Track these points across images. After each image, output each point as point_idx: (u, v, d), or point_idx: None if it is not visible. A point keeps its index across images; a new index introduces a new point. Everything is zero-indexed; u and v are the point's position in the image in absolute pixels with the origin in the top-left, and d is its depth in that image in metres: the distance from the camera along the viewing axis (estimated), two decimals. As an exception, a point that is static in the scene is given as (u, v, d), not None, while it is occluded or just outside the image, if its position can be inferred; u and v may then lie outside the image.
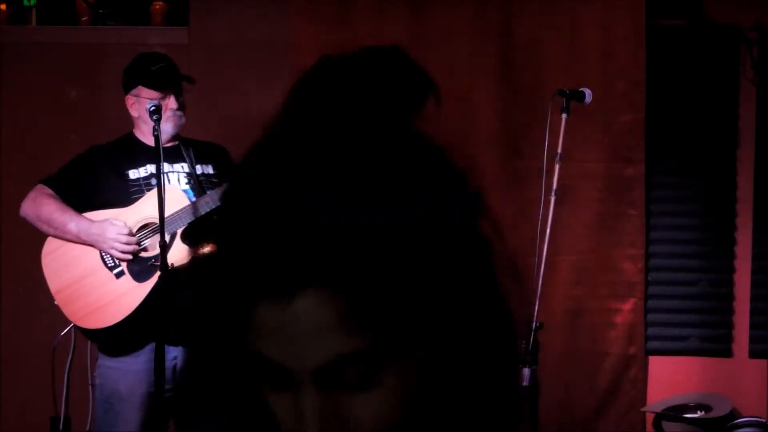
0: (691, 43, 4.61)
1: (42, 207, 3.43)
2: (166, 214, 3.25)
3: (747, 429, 4.21)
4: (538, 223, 3.60)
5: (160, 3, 4.77)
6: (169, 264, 3.23)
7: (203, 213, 3.37)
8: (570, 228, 4.56)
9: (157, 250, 3.30)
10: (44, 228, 3.43)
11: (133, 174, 3.50)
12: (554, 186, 3.58)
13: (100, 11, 4.80)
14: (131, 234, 3.35)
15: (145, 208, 3.39)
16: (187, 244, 3.37)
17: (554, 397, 4.51)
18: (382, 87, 0.87)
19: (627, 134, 4.57)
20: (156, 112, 3.37)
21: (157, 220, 3.29)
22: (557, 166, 3.60)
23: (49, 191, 3.47)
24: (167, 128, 3.44)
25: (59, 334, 4.56)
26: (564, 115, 3.65)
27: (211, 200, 3.37)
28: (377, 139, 0.83)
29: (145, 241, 3.39)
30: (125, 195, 3.43)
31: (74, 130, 4.75)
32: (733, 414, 4.43)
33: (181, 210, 3.38)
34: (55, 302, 3.43)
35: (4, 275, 4.80)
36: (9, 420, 4.78)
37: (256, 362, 0.82)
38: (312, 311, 0.78)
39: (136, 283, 3.34)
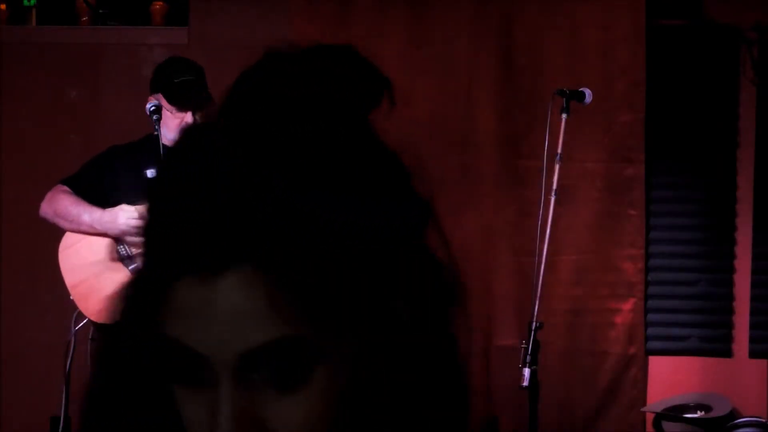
0: (691, 43, 4.61)
1: (58, 203, 3.44)
2: None
3: (747, 429, 4.21)
4: (538, 223, 3.60)
5: (160, 3, 4.77)
6: None
7: None
8: (570, 228, 4.56)
9: None
10: (61, 223, 3.45)
11: (151, 173, 3.49)
12: (554, 186, 3.58)
13: (100, 11, 4.80)
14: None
15: None
16: None
17: (554, 397, 4.51)
18: (329, 85, 0.82)
19: (627, 134, 4.57)
20: (156, 112, 3.36)
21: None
22: (557, 166, 3.60)
23: (65, 188, 3.48)
24: (171, 137, 3.40)
25: (73, 329, 4.57)
26: (564, 115, 3.65)
27: None
28: (323, 137, 0.77)
29: None
30: (143, 194, 3.42)
31: (74, 130, 4.75)
32: (733, 414, 4.43)
33: None
34: (71, 297, 3.43)
35: (4, 275, 4.80)
36: (9, 420, 4.78)
37: (171, 351, 0.74)
38: (239, 290, 0.71)
39: None
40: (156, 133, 3.33)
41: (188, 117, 3.40)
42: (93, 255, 3.40)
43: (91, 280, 3.39)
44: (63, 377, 4.77)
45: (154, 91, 3.49)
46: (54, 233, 4.73)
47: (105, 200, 3.43)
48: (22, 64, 4.73)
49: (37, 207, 4.75)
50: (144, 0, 4.79)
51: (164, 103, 3.42)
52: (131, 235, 3.33)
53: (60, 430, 4.79)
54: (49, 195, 3.52)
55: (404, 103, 4.64)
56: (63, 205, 3.43)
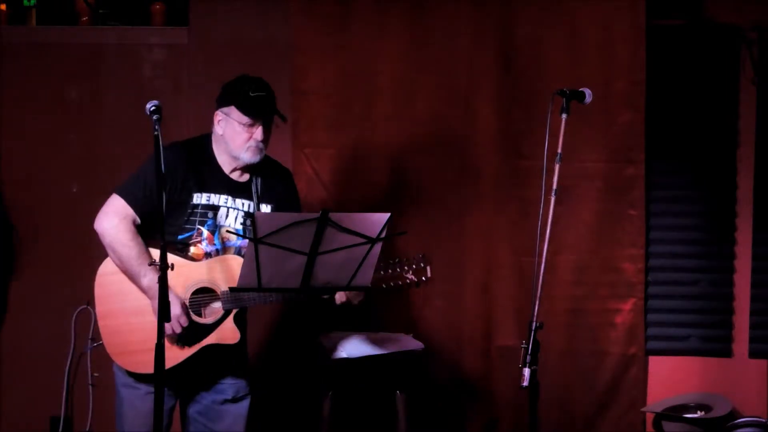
0: (691, 43, 4.61)
1: (122, 248, 3.25)
2: (231, 284, 3.20)
3: (747, 429, 4.21)
4: (538, 223, 3.60)
5: (160, 3, 4.77)
6: (214, 340, 3.25)
7: (262, 303, 3.32)
8: (570, 228, 4.56)
9: (211, 319, 3.26)
10: (114, 261, 3.29)
11: (197, 199, 3.36)
12: (554, 186, 3.57)
13: (100, 11, 4.80)
14: (185, 308, 3.23)
15: (209, 271, 3.30)
16: (238, 326, 3.34)
17: (554, 397, 4.52)
18: None
19: (627, 134, 4.57)
20: (156, 112, 3.31)
21: (218, 290, 3.25)
22: (557, 166, 3.59)
23: (130, 219, 3.28)
24: (246, 157, 3.32)
25: (73, 330, 4.55)
26: (564, 115, 3.64)
27: (275, 296, 3.29)
28: None
29: (199, 310, 3.28)
30: (179, 221, 3.33)
31: (74, 130, 4.75)
32: (733, 414, 4.43)
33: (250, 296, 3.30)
34: (98, 324, 3.35)
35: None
36: (9, 420, 4.78)
37: None
38: None
39: (179, 347, 3.28)
40: (156, 133, 3.28)
41: (258, 133, 3.32)
42: (131, 293, 3.29)
43: (120, 317, 3.30)
44: (63, 377, 4.77)
45: (225, 104, 3.37)
46: (57, 235, 4.74)
47: (153, 207, 3.22)
48: (22, 64, 4.73)
49: (38, 207, 4.77)
50: (144, 0, 4.79)
51: (236, 115, 3.33)
52: (171, 328, 3.23)
53: (60, 430, 4.78)
54: (112, 217, 3.28)
55: (404, 103, 4.66)
56: (126, 254, 3.25)
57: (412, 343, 4.16)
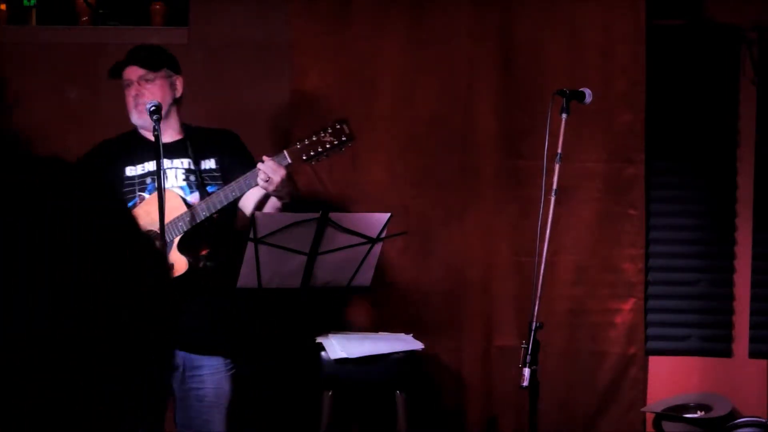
0: (691, 43, 4.61)
1: None
2: (168, 218, 3.24)
3: (747, 429, 4.21)
4: (538, 223, 3.60)
5: (160, 3, 4.77)
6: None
7: (198, 221, 3.35)
8: (570, 228, 4.56)
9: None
10: None
11: (129, 171, 3.50)
12: (554, 186, 3.57)
13: (100, 11, 4.80)
14: None
15: (140, 217, 3.37)
16: (184, 254, 3.36)
17: (554, 397, 4.51)
18: None
19: (627, 134, 4.57)
20: (156, 112, 3.34)
21: (153, 229, 3.28)
22: (557, 166, 3.60)
23: None
24: (133, 119, 3.56)
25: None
26: (564, 115, 3.65)
27: (206, 207, 3.35)
28: None
29: None
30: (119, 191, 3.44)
31: (74, 130, 4.75)
32: (733, 414, 4.43)
33: (177, 218, 3.36)
34: None
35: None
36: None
37: None
38: None
39: None
40: (156, 133, 3.31)
41: (132, 90, 3.58)
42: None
43: None
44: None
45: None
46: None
47: None
48: (22, 64, 4.72)
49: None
50: (144, 0, 4.79)
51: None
52: None
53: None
54: None
55: (404, 103, 4.68)
56: None
57: (412, 343, 4.16)
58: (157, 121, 3.31)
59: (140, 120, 3.51)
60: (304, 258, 3.13)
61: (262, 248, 3.14)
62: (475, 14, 4.60)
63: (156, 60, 3.58)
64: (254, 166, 3.39)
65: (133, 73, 3.56)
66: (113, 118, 4.73)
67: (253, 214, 3.33)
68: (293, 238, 3.13)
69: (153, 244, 0.86)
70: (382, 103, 4.58)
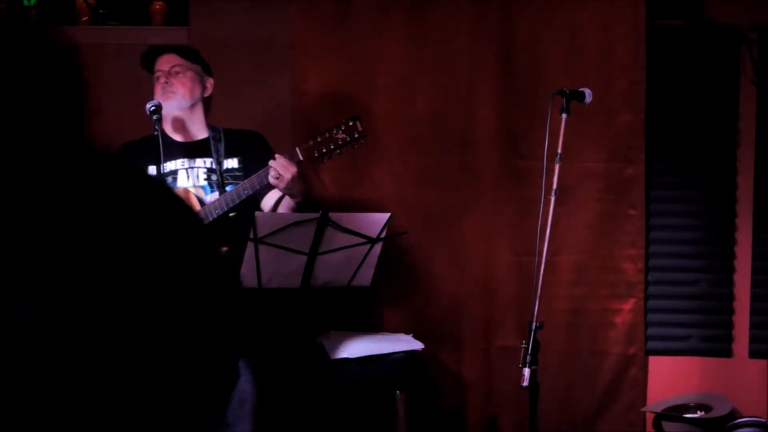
0: (691, 43, 4.61)
1: None
2: None
3: (747, 429, 4.21)
4: (538, 223, 3.60)
5: (160, 3, 4.77)
6: None
7: (211, 219, 3.35)
8: (570, 228, 4.56)
9: None
10: None
11: (152, 171, 3.50)
12: (554, 186, 3.58)
13: (100, 11, 4.79)
14: None
15: None
16: None
17: (554, 397, 4.52)
18: None
19: (627, 134, 4.57)
20: (156, 112, 3.35)
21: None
22: (557, 166, 3.60)
23: None
24: (164, 103, 3.61)
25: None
26: (564, 115, 3.65)
27: (219, 205, 3.35)
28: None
29: None
30: None
31: (74, 130, 4.74)
32: (733, 414, 4.43)
33: None
34: None
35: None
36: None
37: None
38: None
39: None
40: (156, 133, 3.31)
41: (162, 78, 3.69)
42: None
43: None
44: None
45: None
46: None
47: None
48: (22, 64, 4.72)
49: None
50: (144, 0, 4.79)
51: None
52: None
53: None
54: None
55: (404, 103, 4.67)
56: None
57: (412, 343, 4.16)
58: (158, 121, 3.32)
59: (170, 101, 3.57)
60: (304, 258, 3.13)
61: (262, 248, 3.14)
62: (475, 14, 4.59)
63: (193, 54, 3.65)
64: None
65: (167, 61, 3.61)
66: (113, 118, 4.74)
67: (253, 214, 3.34)
68: (293, 238, 3.13)
69: (227, 261, 0.87)
70: (382, 103, 4.58)
